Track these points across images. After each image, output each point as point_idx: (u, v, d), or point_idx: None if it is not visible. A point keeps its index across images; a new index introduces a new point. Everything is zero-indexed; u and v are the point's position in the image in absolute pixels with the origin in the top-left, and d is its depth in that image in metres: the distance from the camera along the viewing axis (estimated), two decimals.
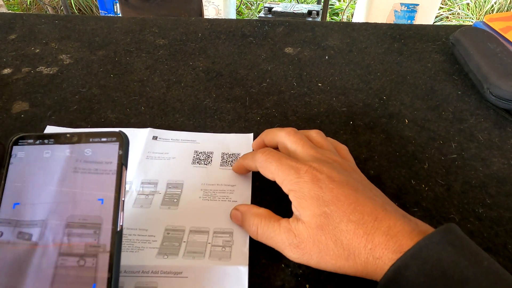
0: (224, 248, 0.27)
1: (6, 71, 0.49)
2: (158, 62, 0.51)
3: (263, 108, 0.43)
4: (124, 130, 0.32)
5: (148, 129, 0.38)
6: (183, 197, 0.31)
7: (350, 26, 0.60)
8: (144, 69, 0.49)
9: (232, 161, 0.35)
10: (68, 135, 0.24)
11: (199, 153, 0.35)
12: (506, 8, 2.41)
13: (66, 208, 0.22)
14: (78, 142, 0.24)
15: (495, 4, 2.43)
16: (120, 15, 1.39)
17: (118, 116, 0.41)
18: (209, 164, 0.34)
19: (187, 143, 0.36)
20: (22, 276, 0.21)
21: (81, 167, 0.23)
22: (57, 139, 0.24)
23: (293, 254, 0.25)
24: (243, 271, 0.26)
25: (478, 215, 0.31)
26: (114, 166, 0.23)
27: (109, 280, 0.20)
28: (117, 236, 0.22)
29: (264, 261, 0.27)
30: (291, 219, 0.26)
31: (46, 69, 0.49)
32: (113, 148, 0.24)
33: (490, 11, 2.43)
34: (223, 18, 0.76)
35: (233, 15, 1.94)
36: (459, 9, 2.52)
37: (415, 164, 0.35)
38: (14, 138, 0.24)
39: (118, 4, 1.53)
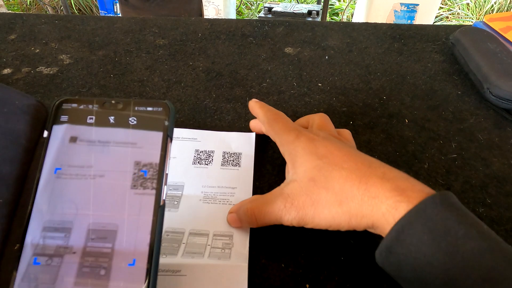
0: (224, 250, 0.27)
1: (6, 71, 0.49)
2: (158, 62, 0.51)
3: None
4: None
5: None
6: (183, 199, 0.31)
7: (350, 26, 0.60)
8: (144, 69, 0.49)
9: (233, 160, 0.34)
10: (113, 102, 0.23)
11: (200, 152, 0.35)
12: (506, 8, 2.41)
13: (109, 178, 0.21)
14: (123, 109, 0.23)
15: (495, 4, 2.43)
16: (120, 15, 1.39)
17: None
18: (210, 164, 0.34)
19: (188, 141, 0.36)
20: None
21: (125, 136, 0.22)
22: (102, 104, 0.23)
23: (289, 215, 0.25)
24: (243, 269, 0.26)
25: (478, 215, 0.31)
26: (159, 137, 0.22)
27: (150, 257, 0.20)
28: (160, 210, 0.21)
29: (264, 261, 0.27)
30: (282, 184, 0.27)
31: (46, 69, 0.49)
32: (159, 119, 0.23)
33: (490, 11, 2.43)
34: (223, 18, 0.76)
35: (233, 15, 1.94)
36: (459, 9, 2.52)
37: (415, 164, 0.35)
38: (57, 101, 0.23)
39: (118, 4, 1.53)
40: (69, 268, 0.20)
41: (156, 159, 0.22)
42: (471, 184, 0.33)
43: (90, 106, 0.23)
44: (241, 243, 0.28)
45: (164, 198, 0.21)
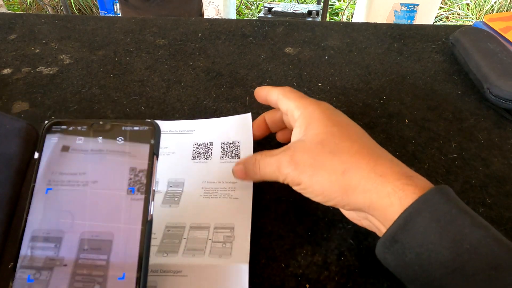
0: (225, 244, 0.27)
1: (6, 71, 0.49)
2: (158, 62, 0.51)
3: (263, 108, 0.42)
4: None
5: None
6: (184, 195, 0.31)
7: (350, 26, 0.60)
8: (144, 69, 0.49)
9: (232, 152, 0.34)
10: (101, 123, 0.24)
11: (199, 145, 0.35)
12: (506, 8, 2.41)
13: (98, 196, 0.22)
14: (111, 130, 0.24)
15: (495, 4, 2.43)
16: (120, 15, 1.39)
17: (118, 116, 0.41)
18: (209, 158, 0.34)
19: (186, 134, 0.36)
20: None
21: (113, 155, 0.23)
22: (91, 126, 0.24)
23: (287, 168, 0.25)
24: (244, 270, 0.25)
25: (478, 214, 0.31)
26: (146, 155, 0.23)
27: (139, 271, 0.20)
28: (147, 225, 0.21)
29: (264, 261, 0.27)
30: (291, 142, 0.27)
31: (46, 69, 0.49)
32: (145, 137, 0.24)
33: (490, 11, 2.43)
34: (223, 18, 0.76)
35: (233, 15, 1.94)
36: (459, 9, 2.52)
37: (415, 164, 0.35)
38: (47, 125, 0.24)
39: (118, 4, 1.53)
40: (60, 283, 0.20)
41: (143, 176, 0.23)
42: (471, 184, 0.34)
43: (79, 128, 0.24)
44: (243, 236, 0.28)
45: (152, 213, 0.22)
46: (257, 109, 0.42)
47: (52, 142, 0.24)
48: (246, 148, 0.34)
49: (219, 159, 0.34)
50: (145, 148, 0.23)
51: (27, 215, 0.22)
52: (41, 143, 0.24)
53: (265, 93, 0.32)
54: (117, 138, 0.24)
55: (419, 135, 0.39)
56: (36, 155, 0.23)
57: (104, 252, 0.21)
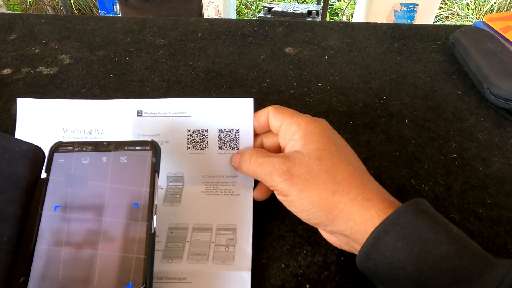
0: (228, 247, 0.27)
1: (6, 71, 0.48)
2: (158, 62, 0.51)
3: (263, 108, 0.42)
4: (102, 102, 0.32)
5: (130, 100, 0.32)
6: (185, 192, 0.31)
7: (350, 26, 0.60)
8: (144, 69, 0.49)
9: (230, 141, 0.31)
10: (105, 143, 0.26)
11: (193, 132, 0.32)
12: (506, 8, 2.41)
13: (104, 211, 0.24)
14: (115, 150, 0.26)
15: (495, 4, 2.43)
16: (120, 15, 1.39)
17: None
18: (206, 148, 0.32)
19: (177, 117, 0.32)
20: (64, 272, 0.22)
21: (117, 173, 0.25)
22: (95, 146, 0.26)
23: (280, 177, 0.25)
24: (246, 277, 0.26)
25: (478, 215, 0.31)
26: (148, 173, 0.25)
27: (145, 280, 0.22)
28: (151, 238, 0.23)
29: (264, 261, 0.27)
30: (286, 151, 0.27)
31: (46, 69, 0.49)
32: (147, 156, 0.26)
33: (490, 11, 2.43)
34: (223, 18, 0.76)
35: (233, 15, 1.94)
36: (459, 9, 2.52)
37: (415, 164, 0.35)
38: (55, 146, 0.26)
39: (118, 4, 1.53)
40: None
41: (146, 192, 0.24)
42: (471, 184, 0.33)
43: (84, 148, 0.26)
44: (245, 239, 0.28)
45: (155, 226, 0.24)
46: (257, 109, 0.42)
47: (59, 161, 0.25)
48: (246, 137, 0.31)
49: (216, 149, 0.31)
50: (147, 166, 0.25)
51: (37, 231, 0.23)
52: (48, 163, 0.25)
53: (258, 118, 0.31)
54: (121, 158, 0.26)
55: (419, 135, 0.39)
56: (44, 175, 0.25)
57: (112, 264, 0.22)
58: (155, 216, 0.24)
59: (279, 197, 0.27)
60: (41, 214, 0.23)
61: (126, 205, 0.24)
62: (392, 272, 0.22)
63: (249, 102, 0.32)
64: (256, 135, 0.32)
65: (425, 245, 0.21)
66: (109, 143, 0.26)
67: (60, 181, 0.25)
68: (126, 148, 0.26)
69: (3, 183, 0.24)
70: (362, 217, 0.23)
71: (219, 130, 0.32)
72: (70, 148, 0.26)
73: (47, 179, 0.25)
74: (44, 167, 0.25)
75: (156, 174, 0.25)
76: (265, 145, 0.31)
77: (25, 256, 0.22)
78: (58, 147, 0.26)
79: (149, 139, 0.28)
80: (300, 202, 0.25)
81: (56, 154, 0.26)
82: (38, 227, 0.23)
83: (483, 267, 0.20)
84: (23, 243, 0.23)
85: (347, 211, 0.24)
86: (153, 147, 0.26)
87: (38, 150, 0.26)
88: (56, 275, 0.22)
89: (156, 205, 0.24)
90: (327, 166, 0.25)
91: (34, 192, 0.25)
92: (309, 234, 0.29)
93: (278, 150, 0.31)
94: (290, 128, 0.28)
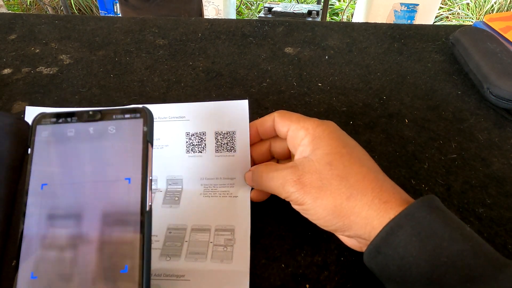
0: (226, 247, 0.27)
1: (6, 71, 0.49)
2: (158, 62, 0.51)
3: (263, 108, 0.42)
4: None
5: (131, 107, 0.33)
6: (184, 194, 0.31)
7: (350, 26, 0.60)
8: (144, 69, 0.49)
9: (227, 144, 0.32)
10: (90, 113, 0.23)
11: (191, 135, 0.32)
12: (506, 8, 2.41)
13: (94, 188, 0.22)
14: (101, 119, 0.23)
15: (495, 4, 2.43)
16: (120, 15, 1.39)
17: None
18: (204, 150, 0.32)
19: (176, 121, 0.33)
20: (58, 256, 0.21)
21: (106, 145, 0.23)
22: (80, 117, 0.23)
23: (292, 187, 0.25)
24: (245, 275, 0.26)
25: (478, 215, 0.31)
26: (139, 144, 0.23)
27: (141, 261, 0.20)
28: (146, 216, 0.21)
29: (264, 261, 0.27)
30: (296, 159, 0.26)
31: (46, 69, 0.49)
32: (138, 125, 0.23)
33: (490, 11, 2.43)
34: (223, 18, 0.76)
35: (233, 15, 1.94)
36: (459, 9, 2.52)
37: (415, 164, 0.35)
38: (37, 117, 0.23)
39: (118, 4, 1.53)
40: (65, 278, 0.20)
41: (138, 165, 0.22)
42: (471, 184, 0.33)
43: (69, 119, 0.23)
44: (243, 239, 0.28)
45: (150, 203, 0.21)
46: (257, 109, 0.42)
47: (43, 135, 0.23)
48: (242, 139, 0.32)
49: (214, 152, 0.32)
50: (138, 136, 0.23)
51: (24, 212, 0.21)
52: (32, 137, 0.23)
53: (257, 126, 0.31)
54: (109, 128, 0.23)
55: (419, 135, 0.39)
56: (29, 151, 0.23)
57: (105, 245, 0.20)
58: (149, 192, 0.22)
59: (294, 206, 0.26)
60: (27, 193, 0.22)
61: (117, 181, 0.22)
62: (403, 267, 0.21)
63: (244, 104, 0.32)
64: (261, 140, 0.32)
65: (440, 241, 0.21)
66: (95, 112, 0.23)
67: (45, 156, 0.22)
68: (114, 117, 0.23)
69: None
70: (380, 220, 0.23)
71: (216, 133, 0.32)
72: (54, 119, 0.23)
73: (31, 155, 0.22)
74: (29, 142, 0.23)
75: (150, 144, 0.23)
76: (273, 150, 0.31)
77: (15, 238, 0.21)
78: (41, 118, 0.23)
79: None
80: (315, 210, 0.24)
81: (39, 127, 0.23)
82: (25, 207, 0.21)
83: (498, 266, 0.20)
84: (13, 224, 0.22)
85: (363, 215, 0.23)
86: (145, 115, 0.23)
87: (22, 123, 0.24)
88: (47, 258, 0.20)
89: (151, 180, 0.22)
90: (339, 170, 0.24)
91: (21, 169, 0.23)
92: (309, 234, 0.29)
93: (287, 154, 0.30)
94: (298, 133, 0.27)
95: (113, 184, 0.22)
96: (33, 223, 0.21)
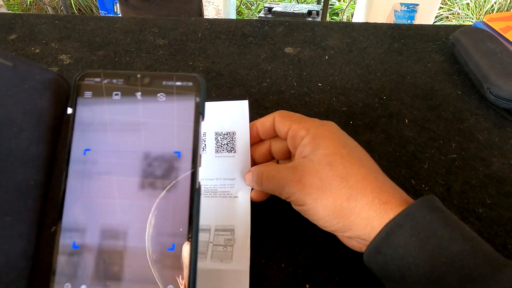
0: (226, 247, 0.27)
1: None
2: (158, 62, 0.51)
3: (263, 108, 0.42)
4: None
5: None
6: None
7: (350, 26, 0.60)
8: (144, 69, 0.49)
9: (227, 144, 0.32)
10: (139, 76, 0.21)
11: None
12: (506, 8, 2.41)
13: (139, 159, 0.20)
14: (150, 85, 0.21)
15: (495, 4, 2.43)
16: (120, 15, 1.39)
17: None
18: (204, 151, 0.32)
19: None
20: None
21: (154, 114, 0.21)
22: (127, 79, 0.21)
23: (292, 188, 0.25)
24: (245, 274, 0.26)
25: (478, 215, 0.31)
26: (190, 115, 0.21)
27: (190, 241, 0.19)
28: (196, 194, 0.19)
29: (264, 261, 0.27)
30: (296, 160, 0.26)
31: None
32: (189, 94, 0.21)
33: (490, 11, 2.43)
34: (223, 18, 0.76)
35: (233, 15, 1.94)
36: (459, 9, 2.52)
37: (415, 164, 0.35)
38: (79, 75, 0.21)
39: (118, 4, 1.53)
40: (109, 251, 0.19)
41: (189, 139, 0.20)
42: (471, 184, 0.33)
43: (115, 81, 0.21)
44: (243, 239, 0.28)
45: (199, 180, 0.20)
46: (257, 109, 0.42)
47: (85, 96, 0.21)
48: (242, 139, 0.32)
49: (214, 152, 0.32)
50: (189, 107, 0.21)
51: (66, 178, 0.20)
52: (74, 97, 0.21)
53: (257, 127, 0.31)
54: (158, 95, 0.21)
55: (419, 135, 0.39)
56: (70, 110, 0.21)
57: (150, 221, 0.19)
58: (199, 169, 0.20)
59: (294, 207, 0.26)
60: (68, 158, 0.20)
61: (166, 153, 0.20)
62: (402, 267, 0.21)
63: (244, 104, 0.32)
64: (261, 140, 0.32)
65: (440, 241, 0.21)
66: (144, 75, 0.21)
67: (88, 119, 0.20)
68: (164, 83, 0.21)
69: (25, 119, 0.20)
70: (380, 220, 0.23)
71: (216, 133, 0.32)
72: (98, 79, 0.21)
73: (73, 116, 0.20)
74: (70, 102, 0.21)
75: (201, 117, 0.21)
76: (274, 150, 0.31)
77: (56, 203, 0.19)
78: (84, 77, 0.21)
79: None
80: (315, 211, 0.24)
81: (82, 86, 0.21)
82: (67, 173, 0.20)
83: (497, 266, 0.20)
84: (52, 188, 0.20)
85: (364, 216, 0.23)
86: (197, 83, 0.21)
87: (61, 80, 0.22)
88: (90, 227, 0.19)
89: (201, 155, 0.21)
90: (339, 171, 0.24)
91: (60, 130, 0.21)
92: (309, 234, 0.29)
93: (287, 154, 0.30)
94: (298, 133, 0.27)
95: (161, 157, 0.20)
96: (76, 189, 0.20)
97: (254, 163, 0.32)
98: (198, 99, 0.21)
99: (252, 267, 0.26)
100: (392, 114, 0.42)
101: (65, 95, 0.22)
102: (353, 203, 0.23)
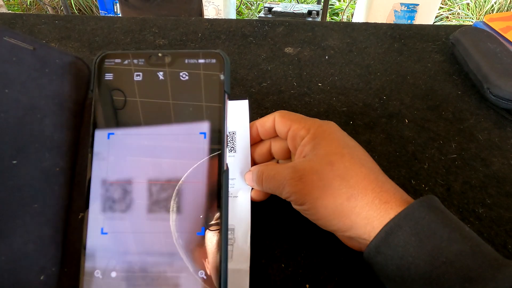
0: None
1: None
2: None
3: (263, 108, 0.43)
4: None
5: None
6: None
7: (350, 26, 0.60)
8: None
9: (227, 144, 0.32)
10: (160, 55, 0.21)
11: None
12: (506, 8, 2.41)
13: (165, 141, 0.19)
14: (172, 64, 0.20)
15: (495, 4, 2.43)
16: (120, 15, 1.39)
17: None
18: None
19: None
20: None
21: (178, 93, 0.20)
22: (148, 59, 0.20)
23: (292, 187, 0.24)
24: (245, 274, 0.26)
25: (478, 215, 0.31)
26: (215, 93, 0.20)
27: (219, 223, 0.18)
28: (224, 176, 0.19)
29: (264, 261, 0.27)
30: (297, 159, 0.26)
31: None
32: (214, 72, 0.20)
33: (490, 11, 2.43)
34: (223, 18, 0.76)
35: (233, 15, 1.94)
36: (459, 9, 2.52)
37: (415, 164, 0.35)
38: (99, 58, 0.21)
39: (118, 4, 1.53)
40: (137, 237, 0.18)
41: (214, 119, 0.19)
42: (471, 184, 0.33)
43: (136, 61, 0.20)
44: (243, 239, 0.28)
45: (226, 162, 0.19)
46: (257, 109, 0.42)
47: (107, 78, 0.20)
48: (242, 139, 0.32)
49: None
50: (214, 85, 0.20)
51: (91, 163, 0.19)
52: (95, 80, 0.20)
53: (257, 127, 0.30)
54: (181, 73, 0.20)
55: (419, 135, 0.39)
56: (91, 94, 0.20)
57: (179, 205, 0.19)
58: (226, 149, 0.19)
59: (295, 206, 0.26)
60: (92, 142, 0.19)
61: (191, 134, 0.19)
62: (402, 267, 0.21)
63: (244, 104, 0.32)
64: (261, 140, 0.32)
65: (439, 241, 0.21)
66: (165, 54, 0.20)
67: (110, 102, 0.20)
68: (186, 61, 0.20)
69: (47, 104, 0.20)
70: (380, 220, 0.23)
71: None
72: (119, 60, 0.20)
73: (95, 99, 0.20)
74: (91, 85, 0.20)
75: (227, 95, 0.20)
76: (274, 150, 0.31)
77: (82, 189, 0.19)
78: (104, 58, 0.20)
79: None
80: (316, 210, 0.24)
81: (102, 68, 0.20)
82: (92, 157, 0.19)
83: (496, 266, 0.20)
84: (77, 174, 0.20)
85: (364, 215, 0.23)
86: (221, 60, 0.20)
87: (81, 63, 0.22)
88: (118, 213, 0.19)
89: (227, 136, 0.20)
90: (340, 171, 0.24)
91: (82, 115, 0.21)
92: (309, 234, 0.29)
93: (287, 154, 0.30)
94: (299, 133, 0.27)
95: (187, 138, 0.19)
96: (101, 174, 0.19)
97: (254, 163, 0.32)
98: (222, 77, 0.20)
99: (252, 267, 0.26)
100: (392, 114, 0.42)
101: (85, 78, 0.21)
102: (354, 203, 0.23)
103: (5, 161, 0.18)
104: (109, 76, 0.20)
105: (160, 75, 0.20)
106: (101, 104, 0.20)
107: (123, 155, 0.19)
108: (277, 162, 0.32)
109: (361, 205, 0.23)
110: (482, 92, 0.43)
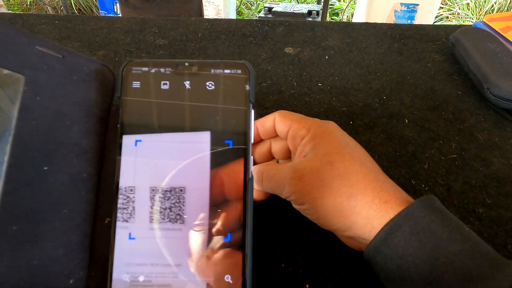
0: None
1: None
2: None
3: (263, 108, 0.43)
4: None
5: None
6: None
7: (350, 26, 0.60)
8: None
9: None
10: (187, 64, 0.21)
11: None
12: (506, 8, 2.41)
13: (191, 149, 0.20)
14: (199, 73, 0.21)
15: (495, 4, 2.43)
16: (120, 15, 1.39)
17: None
18: None
19: None
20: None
21: (203, 102, 0.20)
22: (175, 68, 0.21)
23: (292, 187, 0.24)
24: None
25: (478, 215, 0.31)
26: (240, 103, 0.20)
27: (244, 230, 0.19)
28: (249, 184, 0.19)
29: (264, 261, 0.27)
30: (297, 159, 0.26)
31: None
32: (239, 82, 0.21)
33: (490, 11, 2.43)
34: (223, 18, 0.76)
35: (233, 15, 1.94)
36: (459, 9, 2.52)
37: (415, 164, 0.35)
38: (126, 65, 0.21)
39: (118, 4, 1.53)
40: (165, 242, 0.19)
41: (240, 128, 0.20)
42: (471, 185, 0.33)
43: (162, 70, 0.21)
44: None
45: (251, 170, 0.20)
46: (257, 109, 0.42)
47: (134, 86, 0.21)
48: None
49: None
50: (240, 95, 0.20)
51: (119, 169, 0.19)
52: (121, 87, 0.20)
53: (257, 127, 0.30)
54: (207, 83, 0.21)
55: (419, 135, 0.39)
56: (118, 101, 0.20)
57: (205, 210, 0.19)
58: (251, 158, 0.20)
59: (295, 206, 0.26)
60: (120, 149, 0.20)
61: (218, 144, 0.20)
62: (402, 267, 0.21)
63: None
64: (261, 140, 0.32)
65: (439, 241, 0.21)
66: (192, 64, 0.21)
67: (136, 109, 0.20)
68: (212, 71, 0.21)
69: (75, 111, 0.20)
70: (380, 220, 0.23)
71: None
72: (146, 69, 0.21)
73: (122, 106, 0.20)
74: (118, 92, 0.21)
75: (252, 105, 0.21)
76: (274, 150, 0.31)
77: (108, 194, 0.19)
78: (131, 66, 0.21)
79: None
80: (316, 210, 0.24)
81: (129, 76, 0.21)
82: (120, 164, 0.19)
83: (496, 266, 0.20)
84: (103, 180, 0.20)
85: (364, 215, 0.23)
86: (247, 71, 0.21)
87: (106, 70, 0.22)
88: (143, 219, 0.19)
89: (252, 144, 0.20)
90: (340, 170, 0.24)
91: (108, 122, 0.21)
92: (309, 234, 0.29)
93: (287, 154, 0.30)
94: (299, 133, 0.27)
95: (213, 147, 0.20)
96: (128, 180, 0.19)
97: (254, 163, 0.32)
98: (248, 87, 0.21)
99: (252, 267, 0.26)
100: (392, 114, 0.42)
101: (110, 85, 0.22)
102: (354, 202, 0.23)
103: (37, 167, 0.19)
104: (136, 84, 0.21)
105: (187, 84, 0.21)
106: (129, 111, 0.20)
107: (150, 162, 0.20)
108: (277, 162, 0.32)
109: (361, 205, 0.23)
110: (482, 92, 0.43)
